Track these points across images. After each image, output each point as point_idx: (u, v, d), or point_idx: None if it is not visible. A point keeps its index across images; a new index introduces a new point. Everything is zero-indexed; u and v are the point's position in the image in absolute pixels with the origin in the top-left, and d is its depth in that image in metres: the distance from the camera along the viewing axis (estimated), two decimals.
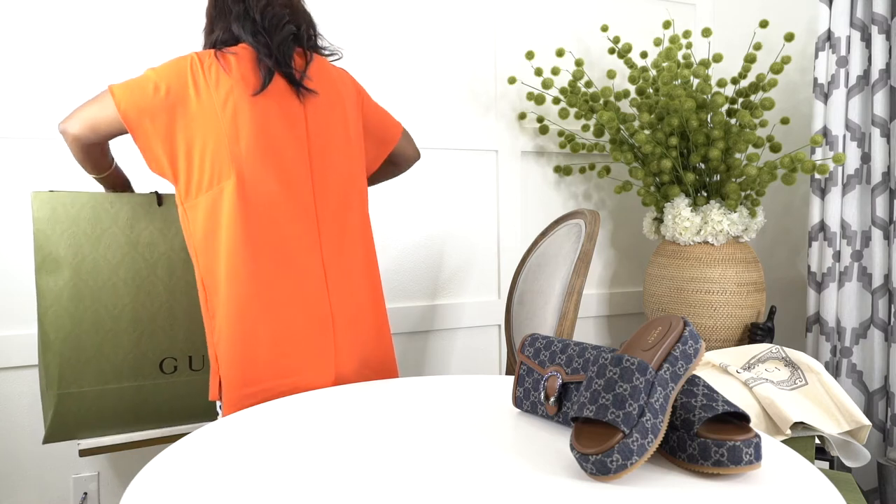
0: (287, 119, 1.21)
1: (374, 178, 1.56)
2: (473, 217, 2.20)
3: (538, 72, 2.14)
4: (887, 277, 1.81)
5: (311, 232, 1.23)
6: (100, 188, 1.67)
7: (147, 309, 1.40)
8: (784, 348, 1.46)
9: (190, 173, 1.18)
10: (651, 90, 2.04)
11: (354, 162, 1.31)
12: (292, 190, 1.21)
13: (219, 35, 1.24)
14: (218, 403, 1.32)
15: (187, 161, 1.17)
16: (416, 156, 1.52)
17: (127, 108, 1.15)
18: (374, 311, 1.32)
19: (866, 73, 1.84)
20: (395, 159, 1.49)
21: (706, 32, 2.05)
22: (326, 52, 1.34)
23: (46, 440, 1.39)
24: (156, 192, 1.41)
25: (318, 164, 1.25)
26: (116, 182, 1.38)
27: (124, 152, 1.79)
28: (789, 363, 1.43)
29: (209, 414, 1.49)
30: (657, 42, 2.09)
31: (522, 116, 2.22)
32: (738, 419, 0.76)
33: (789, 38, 1.90)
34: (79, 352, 1.35)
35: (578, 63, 2.07)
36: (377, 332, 1.33)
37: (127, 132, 1.19)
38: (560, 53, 2.09)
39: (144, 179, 1.80)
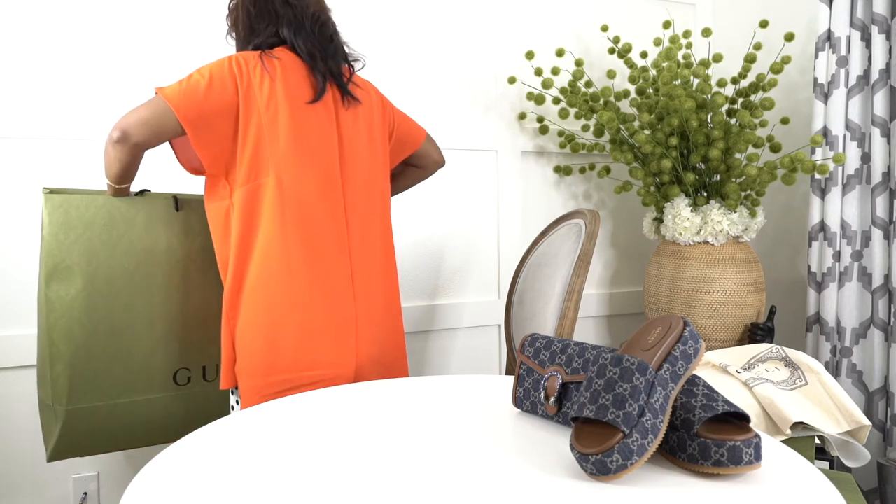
0: (322, 124, 1.26)
1: (404, 184, 1.60)
2: (473, 217, 2.20)
3: (538, 72, 2.14)
4: (887, 277, 1.81)
5: (341, 233, 1.28)
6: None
7: (162, 318, 1.33)
8: (784, 348, 1.46)
9: (235, 168, 1.22)
10: (651, 90, 2.04)
11: (378, 168, 1.37)
12: (325, 191, 1.26)
13: (265, 38, 1.27)
14: (232, 397, 1.32)
15: (232, 157, 1.22)
16: (441, 161, 1.57)
17: (186, 111, 1.17)
18: (389, 310, 1.37)
19: (866, 73, 1.84)
20: (420, 162, 1.54)
21: (706, 32, 2.05)
22: (352, 59, 1.39)
23: (51, 458, 1.31)
24: (174, 197, 1.36)
25: (348, 169, 1.30)
26: (126, 193, 1.35)
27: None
28: (789, 363, 1.43)
29: None
30: (657, 42, 2.09)
31: (522, 116, 2.22)
32: (738, 419, 0.76)
33: (789, 38, 1.90)
34: (90, 364, 1.27)
35: (578, 63, 2.07)
36: (392, 331, 1.37)
37: (181, 135, 1.20)
38: (560, 53, 2.09)
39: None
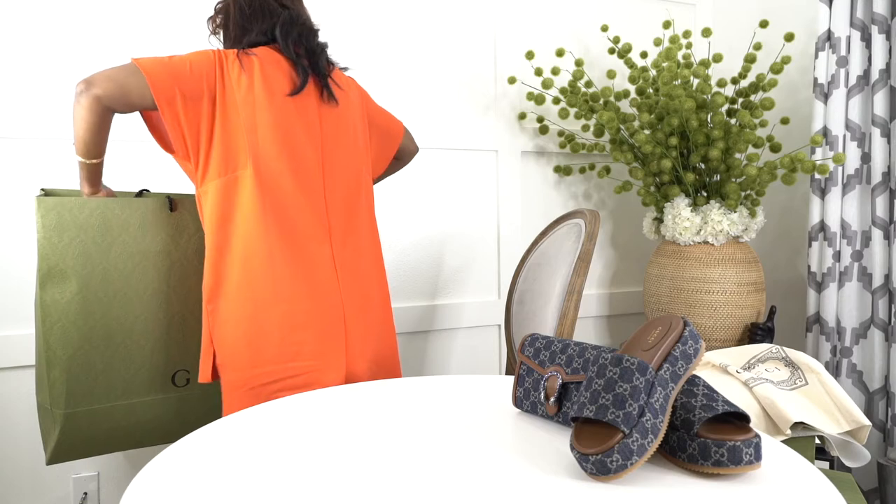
0: (303, 118, 1.27)
1: (381, 176, 1.62)
2: (473, 217, 2.20)
3: (538, 72, 2.14)
4: (887, 277, 1.81)
5: (322, 226, 1.27)
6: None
7: (160, 320, 1.32)
8: (784, 348, 1.46)
9: (207, 157, 1.21)
10: (651, 90, 2.04)
11: (361, 163, 1.37)
12: (305, 184, 1.26)
13: (253, 37, 1.28)
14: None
15: (206, 145, 1.21)
16: (416, 149, 1.60)
17: (158, 81, 1.15)
18: (381, 307, 1.37)
19: (866, 73, 1.84)
20: (399, 155, 1.57)
21: (706, 32, 2.05)
22: (340, 67, 1.41)
23: (51, 461, 1.30)
24: (168, 197, 1.35)
25: (329, 163, 1.30)
26: (97, 175, 1.28)
27: (132, 157, 1.79)
28: (789, 363, 1.43)
29: None
30: (657, 42, 2.09)
31: (522, 116, 2.22)
32: (738, 419, 0.76)
33: (789, 38, 1.90)
34: (88, 368, 1.26)
35: (578, 63, 2.07)
36: (384, 329, 1.37)
37: (148, 109, 1.18)
38: (560, 53, 2.09)
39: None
